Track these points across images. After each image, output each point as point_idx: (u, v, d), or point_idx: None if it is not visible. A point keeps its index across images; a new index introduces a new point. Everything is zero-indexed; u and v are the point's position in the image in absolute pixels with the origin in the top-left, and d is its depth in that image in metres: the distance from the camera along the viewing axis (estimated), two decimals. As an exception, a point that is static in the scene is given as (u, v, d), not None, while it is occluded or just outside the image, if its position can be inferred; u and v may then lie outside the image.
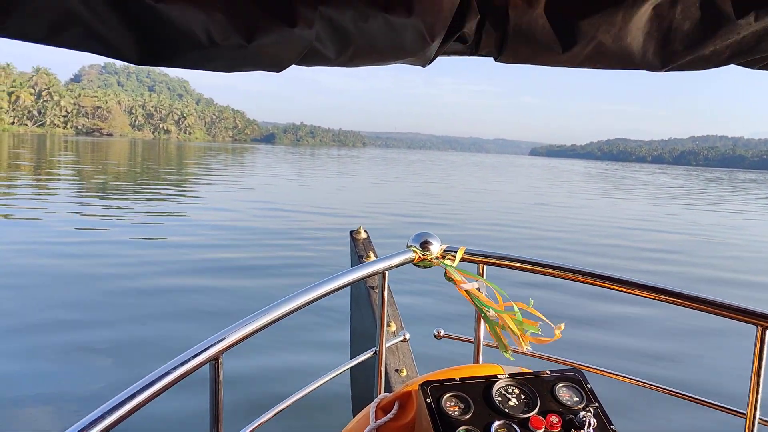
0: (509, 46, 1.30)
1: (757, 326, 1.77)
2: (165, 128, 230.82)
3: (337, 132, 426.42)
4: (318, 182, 38.79)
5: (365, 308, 3.74)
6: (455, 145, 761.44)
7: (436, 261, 2.12)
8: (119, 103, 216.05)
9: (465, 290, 1.99)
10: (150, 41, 0.98)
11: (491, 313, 1.95)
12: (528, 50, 1.32)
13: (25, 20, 0.88)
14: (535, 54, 1.34)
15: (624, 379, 2.11)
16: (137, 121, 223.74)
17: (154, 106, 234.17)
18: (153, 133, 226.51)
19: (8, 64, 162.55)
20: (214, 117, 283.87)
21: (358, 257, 3.98)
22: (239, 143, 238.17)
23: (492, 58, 1.37)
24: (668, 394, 2.04)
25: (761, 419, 1.84)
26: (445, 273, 2.07)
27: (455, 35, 1.26)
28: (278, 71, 1.15)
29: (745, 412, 1.84)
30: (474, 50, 1.34)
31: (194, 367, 1.33)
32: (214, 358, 1.40)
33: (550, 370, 1.58)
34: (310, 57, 1.14)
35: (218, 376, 1.42)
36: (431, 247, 2.13)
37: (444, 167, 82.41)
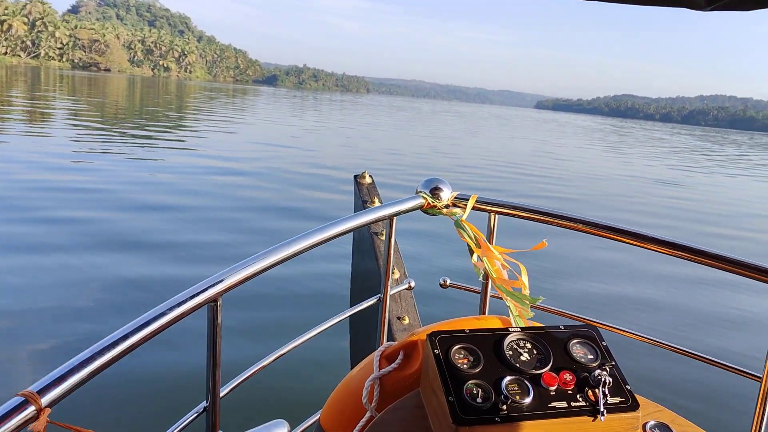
0: None
1: None
2: (165, 65, 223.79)
3: (340, 76, 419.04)
4: (323, 127, 36.79)
5: (368, 255, 3.57)
6: (460, 95, 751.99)
7: (446, 210, 2.08)
8: (118, 38, 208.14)
9: (473, 250, 1.94)
10: None
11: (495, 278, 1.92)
12: None
13: None
14: None
15: (638, 337, 2.06)
16: (136, 57, 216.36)
17: (154, 41, 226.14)
18: (152, 70, 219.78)
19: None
20: (215, 56, 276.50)
21: (362, 202, 3.85)
22: (241, 84, 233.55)
23: None
24: (683, 354, 2.00)
25: None
26: (457, 224, 2.02)
27: None
28: None
29: (761, 375, 1.78)
30: None
31: (192, 308, 1.29)
32: (213, 300, 1.36)
33: (564, 326, 1.50)
34: None
35: (217, 318, 1.38)
36: (441, 194, 2.08)
37: (458, 118, 78.15)
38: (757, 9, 1.17)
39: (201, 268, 7.57)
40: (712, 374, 5.31)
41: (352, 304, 3.00)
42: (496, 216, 2.18)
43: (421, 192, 2.08)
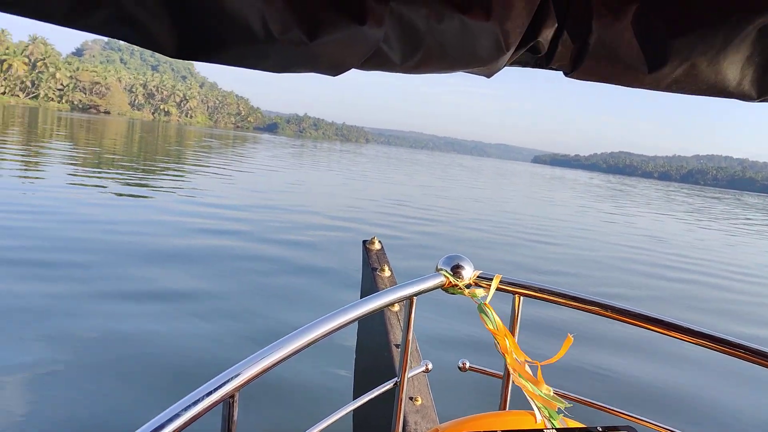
0: (587, 61, 1.14)
1: None
2: (166, 110, 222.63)
3: (340, 126, 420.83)
4: (327, 181, 34.34)
5: (377, 330, 3.39)
6: (457, 147, 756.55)
7: (468, 291, 1.95)
8: (119, 80, 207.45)
9: (497, 339, 1.83)
10: (194, 31, 0.81)
11: (519, 379, 1.81)
12: (608, 68, 1.16)
13: None
14: (615, 73, 1.17)
15: None
16: (137, 101, 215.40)
17: (156, 86, 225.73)
18: (153, 114, 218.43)
19: (2, 30, 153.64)
20: (217, 102, 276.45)
21: (371, 270, 3.76)
22: (241, 131, 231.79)
23: (562, 73, 1.22)
24: None
25: None
26: (480, 309, 1.90)
27: (528, 44, 1.11)
28: (336, 74, 0.98)
29: None
30: (545, 62, 1.18)
31: (207, 408, 1.18)
32: (230, 396, 1.25)
33: (601, 427, 1.39)
34: (374, 60, 0.98)
35: (233, 416, 1.27)
36: (463, 272, 1.97)
37: (479, 176, 74.79)
38: None
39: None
40: None
41: (359, 385, 2.71)
42: (521, 298, 2.03)
43: (441, 270, 1.95)
